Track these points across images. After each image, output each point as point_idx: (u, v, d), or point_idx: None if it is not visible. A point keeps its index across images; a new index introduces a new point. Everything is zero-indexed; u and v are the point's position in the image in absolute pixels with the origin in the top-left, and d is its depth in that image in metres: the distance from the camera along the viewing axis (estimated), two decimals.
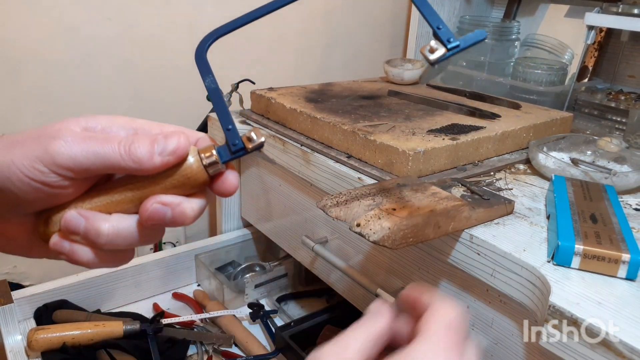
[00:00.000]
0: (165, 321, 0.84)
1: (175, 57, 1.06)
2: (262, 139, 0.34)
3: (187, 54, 1.08)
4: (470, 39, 0.35)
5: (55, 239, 0.33)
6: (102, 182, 0.35)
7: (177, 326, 0.87)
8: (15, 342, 0.75)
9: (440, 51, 0.35)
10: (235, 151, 0.34)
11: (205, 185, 0.35)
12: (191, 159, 0.33)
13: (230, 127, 0.34)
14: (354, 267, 0.74)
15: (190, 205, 0.33)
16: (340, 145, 0.75)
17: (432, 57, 0.35)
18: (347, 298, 0.78)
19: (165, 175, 0.33)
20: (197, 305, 0.96)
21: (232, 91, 0.97)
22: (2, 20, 0.89)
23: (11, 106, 0.94)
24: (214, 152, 0.33)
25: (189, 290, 1.01)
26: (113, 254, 0.34)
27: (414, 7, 1.22)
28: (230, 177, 0.34)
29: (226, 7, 1.10)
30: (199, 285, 1.03)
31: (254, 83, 1.00)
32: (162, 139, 0.32)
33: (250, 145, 0.34)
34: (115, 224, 0.33)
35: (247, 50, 1.15)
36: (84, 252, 0.33)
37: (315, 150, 0.77)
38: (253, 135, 0.34)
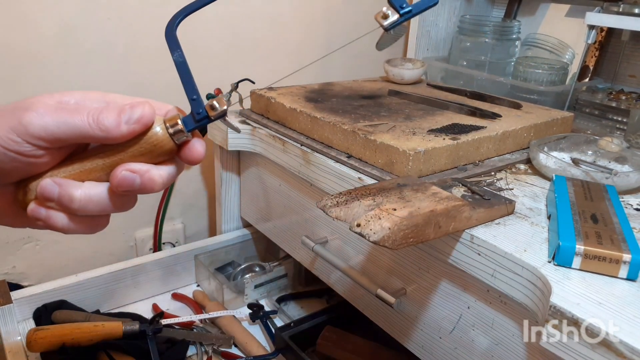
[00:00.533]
0: (164, 322, 0.84)
1: None
2: (225, 107, 0.36)
3: (186, 52, 1.07)
4: (422, 4, 0.36)
5: (32, 206, 0.35)
6: (78, 152, 0.37)
7: (177, 327, 0.87)
8: (14, 342, 0.75)
9: (393, 17, 0.36)
10: (199, 119, 0.36)
11: (173, 154, 0.36)
12: (157, 128, 0.35)
13: (195, 97, 0.36)
14: (354, 267, 0.73)
15: (159, 172, 0.35)
16: (340, 145, 0.75)
17: (386, 22, 0.36)
18: (347, 298, 0.78)
19: (133, 143, 0.35)
20: (196, 305, 0.96)
21: (231, 90, 0.96)
22: (1, 20, 0.89)
23: None
24: (179, 121, 0.35)
25: (188, 291, 1.01)
26: (87, 220, 0.36)
27: None
28: (196, 145, 0.36)
29: (225, 6, 1.09)
30: (198, 285, 1.03)
31: (253, 82, 1.00)
32: (129, 109, 0.34)
33: (213, 114, 0.36)
34: (87, 191, 0.35)
35: (247, 49, 1.15)
36: (59, 217, 0.35)
37: (315, 150, 0.77)
38: (215, 103, 0.36)
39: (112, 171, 0.35)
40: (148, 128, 0.35)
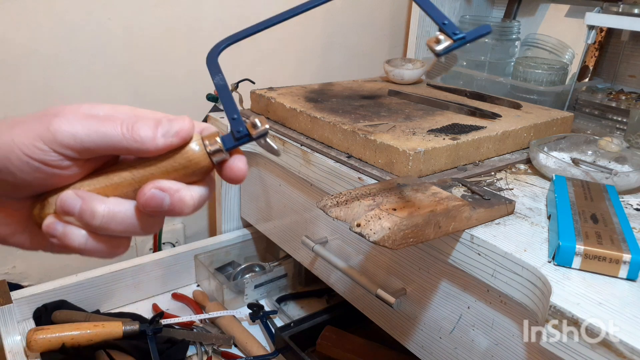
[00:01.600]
0: (164, 322, 0.84)
1: (174, 57, 1.06)
2: (267, 126, 0.33)
3: (186, 53, 1.08)
4: (475, 32, 0.34)
5: (49, 220, 0.32)
6: (105, 168, 0.34)
7: (177, 327, 0.87)
8: (14, 342, 0.75)
9: (446, 42, 0.34)
10: (239, 137, 0.33)
11: (207, 174, 0.34)
12: (194, 144, 0.32)
13: (235, 116, 0.33)
14: (354, 267, 0.73)
15: (190, 192, 0.32)
16: (340, 145, 0.75)
17: (438, 47, 0.34)
18: (347, 298, 0.78)
19: (167, 157, 0.32)
20: (196, 305, 0.96)
21: (231, 91, 0.96)
22: (1, 20, 0.89)
23: (11, 107, 0.94)
24: (218, 139, 0.33)
25: (188, 291, 1.01)
26: (107, 240, 0.33)
27: (414, 7, 1.22)
28: (237, 162, 0.33)
29: (225, 7, 1.09)
30: (198, 285, 1.03)
31: (253, 83, 1.00)
32: (167, 121, 0.32)
33: (254, 132, 0.33)
34: (112, 207, 0.32)
35: (247, 50, 1.15)
36: (78, 235, 0.32)
37: (315, 150, 0.77)
38: (257, 121, 0.33)
39: (140, 188, 0.32)
40: (186, 143, 0.32)
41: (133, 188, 0.32)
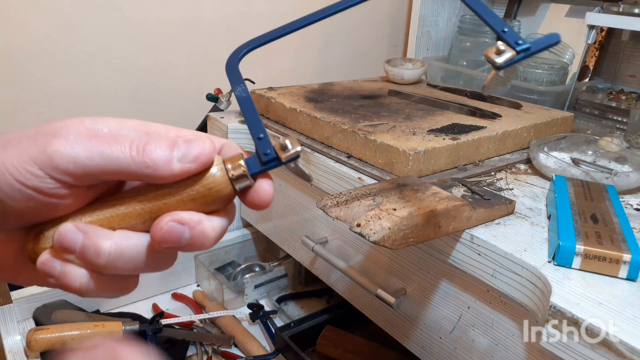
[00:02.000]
0: (164, 322, 0.84)
1: (174, 56, 1.06)
2: (298, 148, 0.29)
3: (186, 52, 1.07)
4: (542, 42, 0.31)
5: (44, 257, 0.27)
6: (107, 196, 0.30)
7: (177, 327, 0.87)
8: (14, 342, 0.75)
9: (508, 53, 0.31)
10: (267, 161, 0.29)
11: (229, 202, 0.30)
12: (215, 169, 0.28)
13: (261, 135, 0.29)
14: (354, 267, 0.73)
15: (212, 224, 0.28)
16: (340, 145, 0.75)
17: (499, 59, 0.31)
18: (347, 298, 0.78)
19: (183, 185, 0.28)
20: (196, 305, 0.96)
21: (231, 91, 0.96)
22: (1, 19, 0.89)
23: (10, 106, 0.94)
24: (242, 162, 0.29)
25: (188, 291, 1.01)
26: (113, 280, 0.29)
27: (414, 7, 1.21)
28: (264, 186, 0.29)
29: (225, 5, 1.09)
30: (198, 285, 1.03)
31: (253, 82, 1.00)
32: (184, 143, 0.28)
33: (284, 155, 0.29)
34: (119, 242, 0.27)
35: None
36: (78, 274, 0.27)
37: (315, 150, 0.77)
38: (287, 143, 0.29)
39: (151, 219, 0.28)
40: (206, 169, 0.28)
41: (142, 220, 0.28)
